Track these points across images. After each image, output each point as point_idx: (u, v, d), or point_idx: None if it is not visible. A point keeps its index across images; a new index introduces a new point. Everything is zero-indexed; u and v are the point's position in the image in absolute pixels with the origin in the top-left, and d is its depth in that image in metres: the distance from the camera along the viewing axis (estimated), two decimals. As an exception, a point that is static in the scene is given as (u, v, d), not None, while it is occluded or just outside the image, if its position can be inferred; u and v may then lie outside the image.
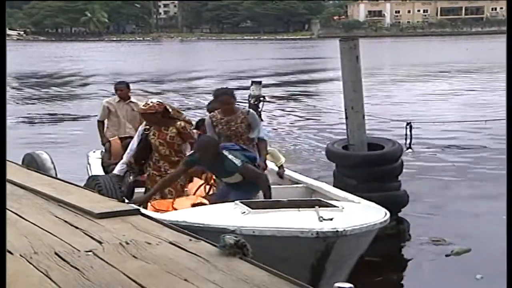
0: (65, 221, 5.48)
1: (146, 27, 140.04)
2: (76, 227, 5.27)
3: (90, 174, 8.63)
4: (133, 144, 8.16)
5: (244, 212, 5.85)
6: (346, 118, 9.80)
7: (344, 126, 9.80)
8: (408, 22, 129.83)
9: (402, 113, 20.69)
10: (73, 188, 6.92)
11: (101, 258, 4.43)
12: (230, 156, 6.72)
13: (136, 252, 4.56)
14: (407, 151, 14.41)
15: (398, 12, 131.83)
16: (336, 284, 3.60)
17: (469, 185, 11.70)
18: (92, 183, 7.68)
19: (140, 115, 7.88)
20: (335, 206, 5.93)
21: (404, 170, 9.56)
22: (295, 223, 5.40)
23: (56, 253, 4.52)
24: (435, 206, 10.35)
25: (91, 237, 4.96)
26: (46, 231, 5.16)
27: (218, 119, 7.57)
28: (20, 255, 4.49)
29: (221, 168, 6.77)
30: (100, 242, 4.81)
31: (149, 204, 7.02)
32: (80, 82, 36.59)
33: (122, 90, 10.20)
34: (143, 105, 7.71)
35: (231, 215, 5.90)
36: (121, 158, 8.56)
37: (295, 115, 22.08)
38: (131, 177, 8.26)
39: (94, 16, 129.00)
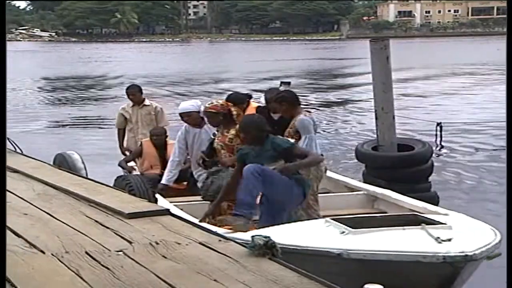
0: (96, 221, 5.51)
1: (176, 28, 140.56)
2: (107, 227, 5.30)
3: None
4: (176, 150, 7.90)
5: (344, 232, 5.35)
6: (376, 119, 9.77)
7: (374, 127, 9.77)
8: (439, 22, 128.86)
9: (433, 113, 20.55)
10: (104, 188, 6.96)
11: (131, 258, 4.45)
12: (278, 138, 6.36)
13: (166, 252, 4.58)
14: (441, 151, 14.34)
15: (428, 12, 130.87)
16: (366, 285, 3.59)
17: (500, 187, 11.58)
18: (123, 183, 7.72)
19: (203, 113, 7.51)
20: (440, 223, 5.44)
21: (434, 171, 9.50)
22: (411, 245, 4.92)
23: (87, 253, 4.55)
24: (465, 207, 10.25)
25: (122, 237, 4.99)
26: (77, 230, 5.20)
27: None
28: (52, 255, 4.53)
29: (268, 152, 6.21)
30: (130, 242, 4.83)
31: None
32: (109, 84, 36.68)
33: (134, 94, 9.87)
34: (208, 104, 7.35)
35: (328, 236, 5.40)
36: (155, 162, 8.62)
37: (326, 116, 22.01)
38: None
39: (124, 17, 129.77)
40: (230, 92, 8.71)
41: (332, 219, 5.68)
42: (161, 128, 9.23)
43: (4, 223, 4.71)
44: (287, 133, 6.96)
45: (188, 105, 7.89)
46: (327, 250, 5.00)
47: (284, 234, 5.46)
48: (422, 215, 5.81)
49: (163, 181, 7.78)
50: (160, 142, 8.91)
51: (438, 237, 4.91)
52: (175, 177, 7.87)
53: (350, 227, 5.34)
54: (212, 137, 7.34)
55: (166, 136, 9.06)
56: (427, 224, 5.28)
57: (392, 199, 7.26)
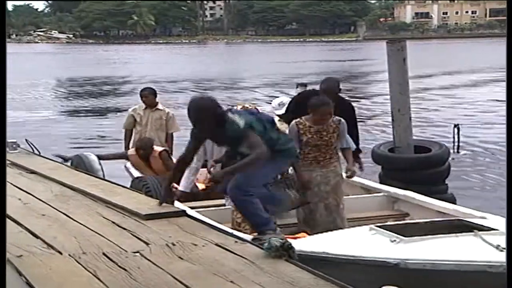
0: (113, 222, 5.53)
1: (192, 29, 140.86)
2: (124, 228, 5.32)
3: (135, 176, 8.61)
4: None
5: (395, 241, 5.14)
6: (393, 120, 9.74)
7: (391, 128, 9.74)
8: (456, 23, 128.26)
9: (450, 115, 20.47)
10: (120, 189, 6.99)
11: (148, 259, 4.46)
12: (235, 118, 5.75)
13: (182, 253, 4.59)
14: (461, 153, 14.26)
15: (446, 13, 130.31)
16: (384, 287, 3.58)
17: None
18: (140, 185, 7.74)
19: None
20: (491, 228, 5.22)
21: (451, 173, 9.46)
22: (472, 254, 4.72)
23: (104, 254, 4.57)
24: (483, 210, 10.19)
25: (138, 238, 5.00)
26: (94, 231, 5.22)
27: (306, 127, 6.72)
28: (69, 255, 4.55)
29: (226, 135, 5.76)
30: (147, 243, 4.85)
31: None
32: (127, 88, 36.67)
33: (147, 96, 9.76)
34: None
35: (378, 244, 5.20)
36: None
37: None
38: None
39: (141, 19, 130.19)
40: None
41: (377, 226, 5.55)
42: (147, 139, 9.07)
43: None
44: (333, 138, 6.73)
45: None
46: (383, 260, 4.83)
47: (329, 243, 5.34)
48: (467, 220, 5.69)
49: (181, 188, 7.69)
50: (146, 154, 8.79)
51: (499, 245, 4.74)
52: (192, 183, 7.81)
53: (400, 235, 5.17)
54: None
55: (152, 148, 8.90)
56: (478, 230, 5.14)
57: (416, 201, 7.17)
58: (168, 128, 9.83)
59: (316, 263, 4.70)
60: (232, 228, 6.14)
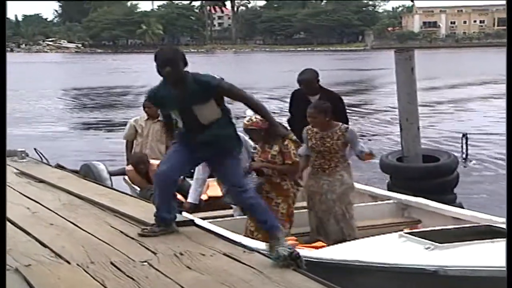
0: (121, 231, 5.54)
1: (201, 39, 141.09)
2: (132, 238, 5.32)
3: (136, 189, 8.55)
4: (200, 168, 7.40)
5: (429, 248, 5.04)
6: (401, 129, 9.72)
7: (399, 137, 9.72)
8: (464, 33, 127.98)
9: (459, 124, 20.42)
10: (129, 198, 7.00)
11: (156, 269, 4.46)
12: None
13: (190, 263, 4.59)
14: (472, 163, 14.21)
15: (454, 23, 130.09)
16: None
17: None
18: (147, 194, 7.73)
19: (244, 130, 6.96)
20: None
21: (460, 182, 9.42)
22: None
23: (112, 263, 4.57)
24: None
25: (146, 248, 5.00)
26: (102, 241, 5.23)
27: (313, 132, 6.78)
28: (77, 265, 4.55)
29: (194, 92, 5.26)
30: (155, 253, 4.85)
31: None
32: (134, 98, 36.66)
33: (150, 107, 9.28)
34: (246, 120, 6.90)
35: (413, 251, 5.08)
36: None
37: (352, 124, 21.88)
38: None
39: (149, 29, 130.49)
40: None
41: (406, 233, 5.48)
42: (139, 156, 8.94)
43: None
44: (336, 145, 6.66)
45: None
46: (420, 267, 4.72)
47: (359, 252, 5.25)
48: (496, 226, 5.61)
49: (190, 199, 7.63)
50: (144, 169, 8.73)
51: None
52: (200, 195, 7.76)
53: (433, 242, 5.07)
54: (253, 151, 7.04)
55: (148, 162, 8.82)
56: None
57: (428, 207, 7.12)
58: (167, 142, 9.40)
59: (347, 271, 4.70)
60: (245, 236, 6.11)
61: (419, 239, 5.25)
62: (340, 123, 6.82)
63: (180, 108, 5.34)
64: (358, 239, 6.32)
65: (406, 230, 5.72)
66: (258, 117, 6.54)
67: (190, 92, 5.23)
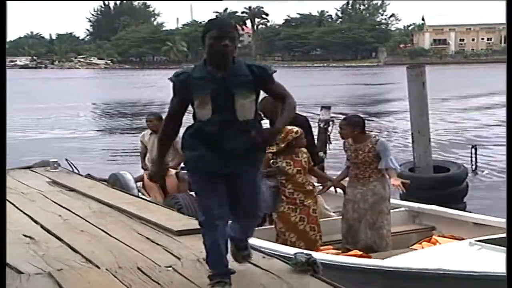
0: (147, 238, 5.54)
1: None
2: (157, 244, 5.32)
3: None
4: None
5: None
6: (413, 141, 9.69)
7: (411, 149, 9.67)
8: (472, 49, 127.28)
9: (468, 136, 20.29)
10: (154, 206, 7.00)
11: (180, 273, 4.46)
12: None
13: (212, 268, 4.56)
14: (484, 173, 14.09)
15: (463, 40, 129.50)
16: None
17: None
18: (172, 202, 7.75)
19: None
20: None
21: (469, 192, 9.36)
22: None
23: (138, 268, 4.57)
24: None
25: (171, 253, 5.00)
26: (130, 247, 5.23)
27: (349, 144, 6.76)
28: (106, 269, 4.56)
29: (241, 77, 4.00)
30: (179, 258, 4.84)
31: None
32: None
33: (151, 121, 9.36)
34: None
35: (492, 259, 4.82)
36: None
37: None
38: None
39: (174, 46, 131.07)
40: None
41: (477, 241, 5.28)
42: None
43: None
44: (367, 157, 6.62)
45: None
46: (499, 274, 4.38)
47: (436, 260, 5.03)
48: None
49: None
50: (162, 180, 8.67)
51: None
52: None
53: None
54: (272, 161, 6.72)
55: (167, 168, 8.74)
56: None
57: (444, 214, 7.03)
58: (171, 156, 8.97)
59: (425, 280, 4.51)
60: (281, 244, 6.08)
61: (493, 246, 5.01)
62: (373, 135, 6.80)
63: (218, 90, 3.94)
64: (384, 248, 6.26)
65: (476, 238, 5.40)
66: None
67: (237, 75, 3.99)
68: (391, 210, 7.49)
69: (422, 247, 6.25)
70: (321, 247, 6.43)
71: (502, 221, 6.16)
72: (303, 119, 7.72)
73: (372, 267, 5.07)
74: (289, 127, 6.44)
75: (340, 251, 6.29)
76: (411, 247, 6.36)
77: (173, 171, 8.67)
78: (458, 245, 5.52)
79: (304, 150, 6.73)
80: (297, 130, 6.62)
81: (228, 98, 3.95)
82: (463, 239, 6.07)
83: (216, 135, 3.95)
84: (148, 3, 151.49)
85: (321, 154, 9.40)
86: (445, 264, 4.85)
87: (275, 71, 4.21)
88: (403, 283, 4.63)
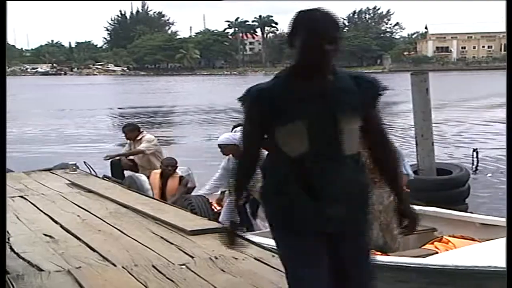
0: (161, 237, 5.54)
1: (233, 62, 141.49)
2: (171, 243, 5.32)
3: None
4: (217, 175, 7.60)
5: None
6: (416, 144, 9.66)
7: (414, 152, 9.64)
8: (474, 57, 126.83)
9: (470, 139, 20.21)
10: (168, 207, 7.00)
11: (193, 271, 4.45)
12: None
13: (224, 266, 4.57)
14: (488, 175, 14.03)
15: (464, 48, 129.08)
16: None
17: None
18: (185, 203, 7.74)
19: None
20: None
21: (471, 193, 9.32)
22: None
23: (153, 266, 4.57)
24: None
25: (184, 252, 4.99)
26: (145, 246, 5.23)
27: (364, 150, 6.74)
28: (123, 267, 4.56)
29: (345, 90, 2.72)
30: (192, 257, 4.84)
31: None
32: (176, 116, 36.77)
33: (127, 133, 10.36)
34: None
35: None
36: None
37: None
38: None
39: (188, 53, 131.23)
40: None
41: None
42: (172, 158, 9.09)
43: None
44: None
45: (224, 137, 7.73)
46: None
47: (489, 257, 4.82)
48: None
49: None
50: (168, 173, 8.77)
51: None
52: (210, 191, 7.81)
53: None
54: None
55: (176, 168, 8.86)
56: None
57: (444, 215, 6.97)
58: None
59: (473, 278, 4.40)
60: None
61: None
62: None
63: (315, 112, 2.68)
64: (397, 248, 6.21)
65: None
66: None
67: (341, 91, 2.70)
68: None
69: (435, 247, 6.20)
70: None
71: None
72: None
73: (419, 266, 4.91)
74: None
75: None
76: (423, 247, 6.29)
77: (179, 174, 8.78)
78: (498, 243, 5.24)
79: None
80: None
81: (330, 123, 2.67)
82: (472, 239, 6.03)
83: (315, 178, 2.67)
84: (163, 12, 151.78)
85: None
86: (493, 262, 4.64)
87: (385, 90, 2.82)
88: (448, 281, 4.51)
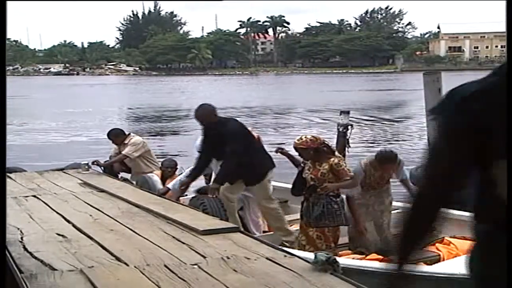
0: (173, 237, 5.54)
1: (245, 62, 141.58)
2: (183, 243, 5.32)
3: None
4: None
5: None
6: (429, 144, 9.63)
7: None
8: (486, 56, 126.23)
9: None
10: (180, 206, 7.01)
11: (205, 271, 4.45)
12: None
13: (236, 266, 4.56)
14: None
15: (477, 47, 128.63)
16: None
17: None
18: (197, 203, 7.75)
19: (294, 149, 6.94)
20: None
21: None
22: None
23: (165, 266, 4.57)
24: None
25: (196, 252, 4.99)
26: (157, 245, 5.23)
27: (372, 173, 6.71)
28: (135, 267, 4.56)
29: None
30: (204, 257, 4.83)
31: None
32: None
33: (112, 139, 10.13)
34: (297, 140, 6.85)
35: None
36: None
37: (380, 142, 21.75)
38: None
39: (199, 53, 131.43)
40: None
41: None
42: (172, 160, 9.10)
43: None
44: (389, 177, 6.68)
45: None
46: None
47: None
48: None
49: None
50: (169, 174, 8.78)
51: None
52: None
53: None
54: (302, 165, 6.96)
55: (176, 169, 8.88)
56: None
57: (447, 215, 6.95)
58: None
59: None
60: (298, 249, 6.05)
61: None
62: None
63: None
64: None
65: None
66: (308, 136, 6.69)
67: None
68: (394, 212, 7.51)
69: (437, 248, 6.17)
70: (339, 252, 6.37)
71: None
72: (236, 123, 7.58)
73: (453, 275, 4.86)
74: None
75: (364, 256, 6.18)
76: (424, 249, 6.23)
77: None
78: None
79: (334, 161, 6.61)
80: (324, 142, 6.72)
81: None
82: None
83: None
84: (175, 12, 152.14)
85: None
86: None
87: None
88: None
